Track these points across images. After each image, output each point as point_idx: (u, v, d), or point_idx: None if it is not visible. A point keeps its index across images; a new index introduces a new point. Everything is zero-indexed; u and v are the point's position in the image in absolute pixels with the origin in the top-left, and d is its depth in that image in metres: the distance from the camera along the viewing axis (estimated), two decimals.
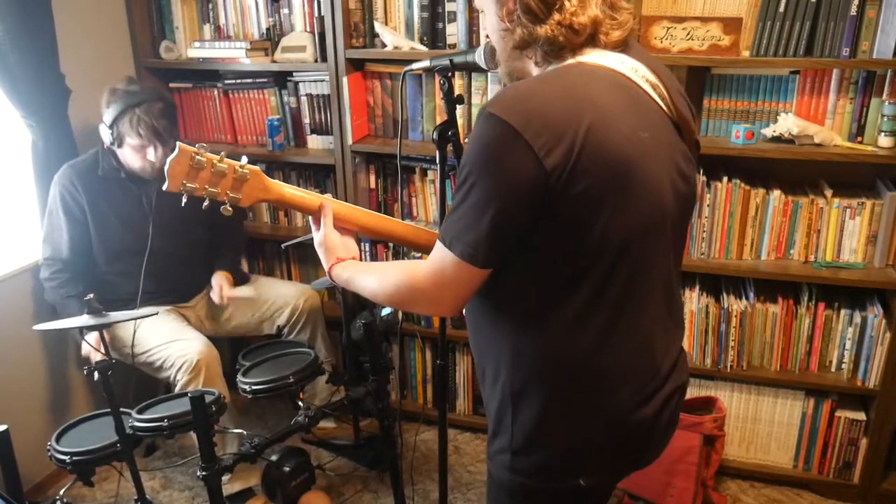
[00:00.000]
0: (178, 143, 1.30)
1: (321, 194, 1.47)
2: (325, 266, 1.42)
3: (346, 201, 2.78)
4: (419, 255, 2.70)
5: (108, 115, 2.35)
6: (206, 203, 1.36)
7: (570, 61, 1.14)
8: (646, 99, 1.15)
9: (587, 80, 1.11)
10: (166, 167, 1.29)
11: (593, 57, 1.14)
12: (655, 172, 1.12)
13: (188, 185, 1.30)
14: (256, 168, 1.37)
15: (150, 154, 2.39)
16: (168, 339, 2.41)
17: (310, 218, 1.46)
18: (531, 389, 1.20)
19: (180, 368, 2.33)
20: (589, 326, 1.14)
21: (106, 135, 2.38)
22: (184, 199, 1.33)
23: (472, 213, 1.08)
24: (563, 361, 1.17)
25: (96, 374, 1.92)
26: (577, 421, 1.20)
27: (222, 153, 1.34)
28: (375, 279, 1.30)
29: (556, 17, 1.11)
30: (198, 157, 1.29)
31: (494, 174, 1.05)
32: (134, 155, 2.39)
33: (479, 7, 1.26)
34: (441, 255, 1.13)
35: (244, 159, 1.36)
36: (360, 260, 1.44)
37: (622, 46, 1.17)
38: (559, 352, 1.17)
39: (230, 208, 1.36)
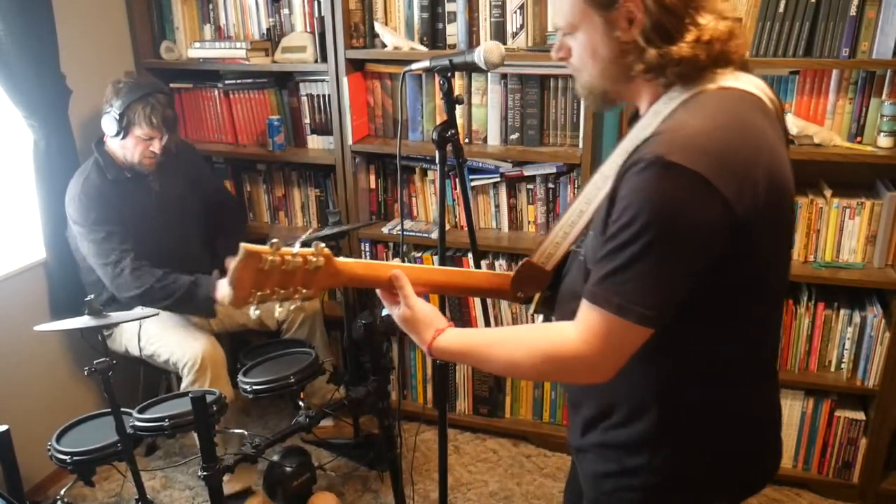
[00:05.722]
0: (242, 246, 1.03)
1: (389, 262, 1.28)
2: (423, 343, 1.20)
3: (346, 202, 2.80)
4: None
5: (118, 105, 2.35)
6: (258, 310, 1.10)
7: (712, 86, 1.03)
8: (777, 121, 1.10)
9: (745, 111, 1.02)
10: (229, 276, 1.04)
11: (730, 80, 1.04)
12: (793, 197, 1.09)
13: (258, 293, 1.06)
14: (328, 251, 1.14)
15: (155, 145, 2.40)
16: (174, 338, 2.42)
17: (378, 292, 1.26)
18: (678, 431, 1.13)
19: (185, 366, 2.34)
20: (743, 368, 1.12)
21: (111, 126, 2.37)
22: (254, 311, 1.10)
23: (651, 275, 0.97)
24: (713, 404, 1.12)
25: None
26: (723, 459, 1.16)
27: (295, 244, 1.09)
28: (510, 351, 1.13)
29: (694, 32, 1.01)
30: (269, 258, 1.04)
31: (683, 233, 0.94)
32: (136, 146, 2.40)
33: (559, 26, 1.10)
34: (602, 320, 1.00)
35: (315, 244, 1.12)
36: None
37: (744, 64, 1.08)
38: (711, 394, 1.12)
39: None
